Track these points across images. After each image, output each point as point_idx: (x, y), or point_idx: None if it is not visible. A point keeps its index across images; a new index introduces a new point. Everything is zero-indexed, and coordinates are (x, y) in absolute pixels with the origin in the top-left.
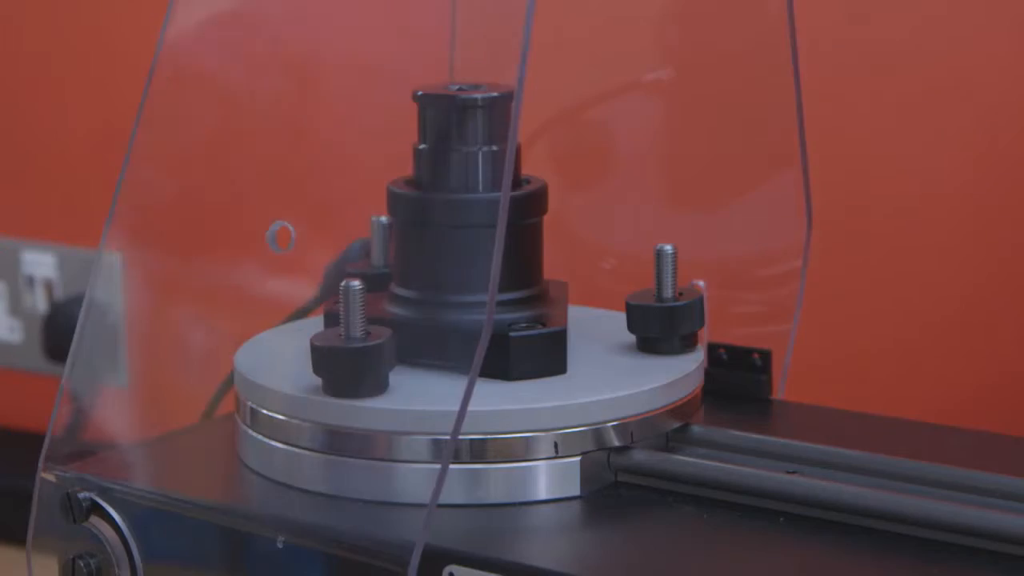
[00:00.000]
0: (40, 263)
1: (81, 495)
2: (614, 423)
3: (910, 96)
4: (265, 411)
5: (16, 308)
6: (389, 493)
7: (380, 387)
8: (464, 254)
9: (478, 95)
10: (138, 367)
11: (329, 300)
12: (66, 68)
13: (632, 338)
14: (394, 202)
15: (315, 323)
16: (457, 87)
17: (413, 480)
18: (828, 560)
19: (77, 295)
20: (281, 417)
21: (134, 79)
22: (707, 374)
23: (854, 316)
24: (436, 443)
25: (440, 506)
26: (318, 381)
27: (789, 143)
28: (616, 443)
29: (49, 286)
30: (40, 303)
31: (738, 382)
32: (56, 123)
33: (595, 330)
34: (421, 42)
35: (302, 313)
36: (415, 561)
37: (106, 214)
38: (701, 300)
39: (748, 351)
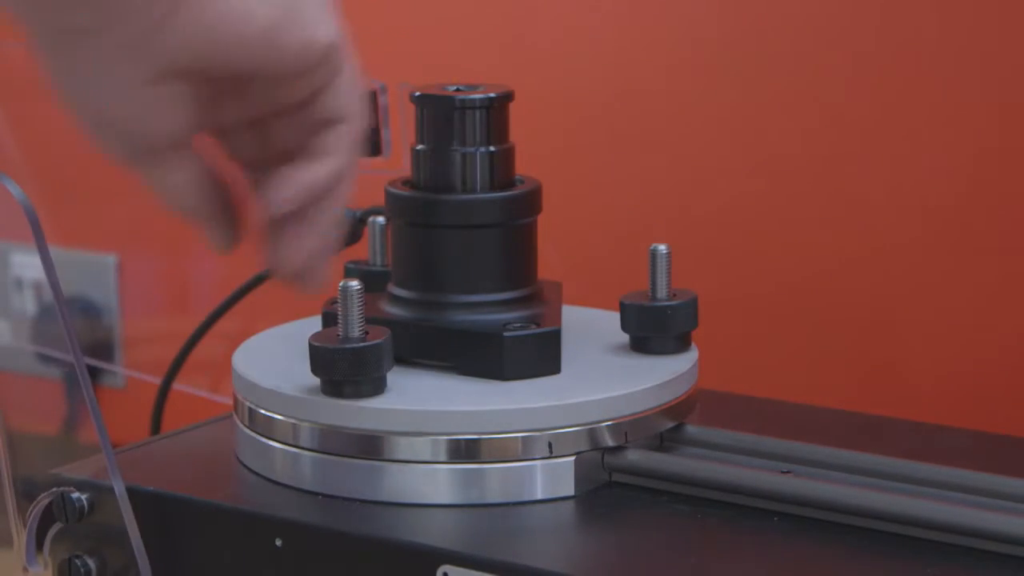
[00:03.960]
0: (29, 265)
1: (75, 495)
2: (608, 423)
3: (908, 94)
4: (263, 411)
5: (5, 310)
6: (387, 493)
7: (378, 387)
8: (462, 254)
9: (476, 96)
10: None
11: (327, 300)
12: None
13: (626, 338)
14: (392, 202)
15: (313, 323)
16: (455, 87)
17: (411, 480)
18: (822, 560)
19: (67, 297)
20: (279, 417)
21: None
22: None
23: (851, 315)
24: (434, 443)
25: (434, 506)
26: (316, 381)
27: None
28: (610, 443)
29: (38, 288)
30: (29, 305)
31: None
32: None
33: (589, 330)
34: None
35: None
36: None
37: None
38: (695, 300)
39: None
